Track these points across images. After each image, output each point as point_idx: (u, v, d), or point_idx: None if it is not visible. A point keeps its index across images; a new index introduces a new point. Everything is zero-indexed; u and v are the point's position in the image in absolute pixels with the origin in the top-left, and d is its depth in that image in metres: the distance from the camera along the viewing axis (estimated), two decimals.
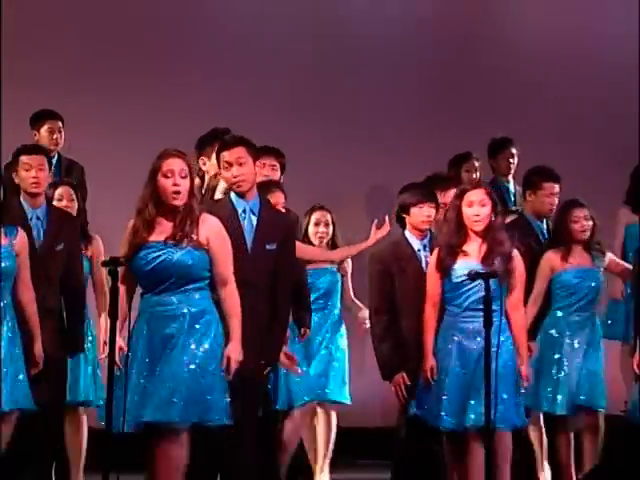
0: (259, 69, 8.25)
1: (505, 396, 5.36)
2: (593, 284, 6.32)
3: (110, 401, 4.71)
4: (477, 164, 7.32)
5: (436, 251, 5.54)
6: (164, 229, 4.96)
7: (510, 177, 7.59)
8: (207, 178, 6.04)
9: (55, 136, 6.73)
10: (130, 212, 5.42)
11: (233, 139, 5.55)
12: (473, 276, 5.36)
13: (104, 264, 4.93)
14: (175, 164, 4.99)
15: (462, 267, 5.42)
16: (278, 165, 6.20)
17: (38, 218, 5.95)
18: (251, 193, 5.48)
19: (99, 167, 7.16)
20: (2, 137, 4.87)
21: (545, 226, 6.83)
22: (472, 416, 5.36)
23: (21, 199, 5.99)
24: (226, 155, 5.44)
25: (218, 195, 5.74)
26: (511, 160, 7.55)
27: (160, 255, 4.94)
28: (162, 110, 7.91)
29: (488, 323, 5.12)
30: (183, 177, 4.97)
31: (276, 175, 6.19)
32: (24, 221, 5.89)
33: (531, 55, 8.81)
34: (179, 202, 4.95)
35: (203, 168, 5.98)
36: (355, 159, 8.06)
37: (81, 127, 7.09)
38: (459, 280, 5.43)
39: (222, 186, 5.73)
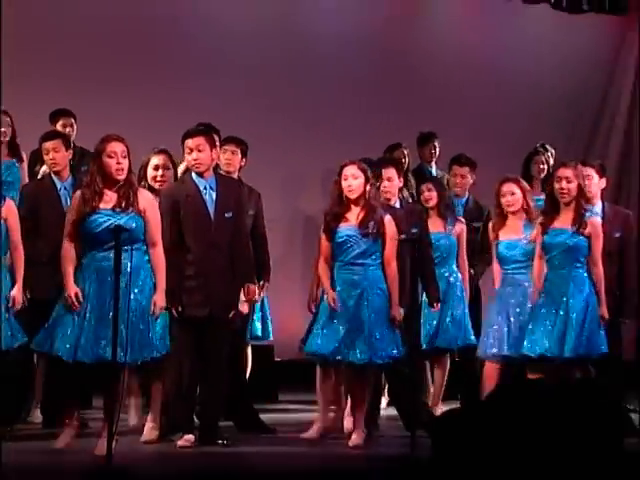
0: (234, 74, 8.17)
1: (378, 335, 5.48)
2: (443, 245, 6.37)
3: (115, 339, 4.69)
4: (406, 152, 7.30)
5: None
6: (110, 199, 5.05)
7: (433, 163, 7.64)
8: None
9: (68, 130, 6.63)
10: None
11: (195, 130, 5.59)
12: (401, 241, 5.59)
13: (111, 229, 4.94)
14: (117, 147, 5.07)
15: (343, 230, 5.53)
16: (239, 151, 6.15)
17: (65, 189, 5.97)
18: (208, 173, 5.52)
19: None
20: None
21: (465, 202, 6.95)
22: (358, 355, 5.45)
23: (52, 174, 6.04)
24: (189, 142, 5.49)
25: (150, 170, 5.72)
26: (433, 151, 7.60)
27: (109, 219, 5.02)
28: (154, 107, 7.76)
29: (413, 281, 5.32)
30: (124, 157, 5.06)
31: (236, 159, 6.14)
32: (54, 192, 5.98)
33: (451, 67, 8.82)
34: (122, 176, 5.05)
35: None
36: (312, 148, 8.12)
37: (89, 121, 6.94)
38: (341, 240, 5.52)
39: (153, 162, 5.71)
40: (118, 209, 5.04)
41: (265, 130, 7.72)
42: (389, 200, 6.01)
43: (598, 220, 5.89)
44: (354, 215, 5.54)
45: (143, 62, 7.94)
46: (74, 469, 4.56)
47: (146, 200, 5.14)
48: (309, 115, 8.30)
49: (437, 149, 7.60)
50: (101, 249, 5.02)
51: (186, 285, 5.45)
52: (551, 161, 7.28)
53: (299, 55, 8.43)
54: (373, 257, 5.52)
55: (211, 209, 5.50)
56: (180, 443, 5.41)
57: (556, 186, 5.76)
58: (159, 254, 5.15)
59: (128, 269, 4.95)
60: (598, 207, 6.22)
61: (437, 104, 8.50)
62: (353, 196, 5.52)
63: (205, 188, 5.51)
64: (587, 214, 5.82)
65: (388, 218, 5.57)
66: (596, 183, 6.21)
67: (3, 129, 6.48)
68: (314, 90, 8.41)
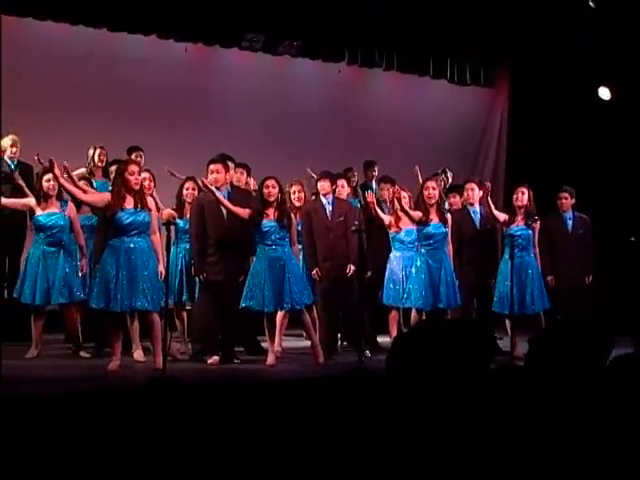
0: (244, 122, 7.91)
1: (297, 290, 5.35)
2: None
3: (167, 297, 4.66)
4: (356, 173, 7.22)
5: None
6: (129, 201, 5.07)
7: (373, 181, 7.45)
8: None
9: (138, 159, 6.41)
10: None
11: (215, 159, 5.57)
12: (356, 230, 5.48)
13: (163, 223, 4.81)
14: (135, 168, 5.15)
15: (267, 223, 5.41)
16: (245, 172, 6.13)
17: None
18: (224, 187, 5.52)
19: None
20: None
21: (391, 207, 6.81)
22: (286, 304, 5.34)
23: None
24: (211, 167, 5.51)
25: None
26: (374, 173, 7.45)
27: (133, 215, 5.04)
28: (191, 143, 7.35)
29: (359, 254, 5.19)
30: (139, 174, 5.14)
31: (244, 177, 6.11)
32: None
33: (387, 120, 8.63)
34: (137, 187, 5.10)
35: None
36: (294, 172, 7.93)
37: (152, 153, 6.58)
38: (266, 230, 5.39)
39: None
40: (138, 209, 5.06)
41: (263, 159, 7.56)
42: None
43: (449, 216, 5.95)
44: (272, 212, 5.44)
45: (185, 115, 7.78)
46: (142, 376, 4.55)
47: (151, 203, 5.20)
48: (292, 150, 8.05)
49: (376, 172, 7.49)
50: (127, 235, 5.00)
51: (208, 260, 5.50)
52: (450, 180, 7.27)
53: (285, 110, 8.30)
54: (286, 240, 5.45)
55: (224, 211, 5.48)
56: (210, 361, 5.48)
57: (425, 193, 5.82)
58: (158, 239, 5.16)
59: (146, 249, 5.02)
60: (477, 208, 6.27)
61: (376, 144, 8.29)
62: (271, 199, 5.46)
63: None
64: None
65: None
66: (477, 193, 6.32)
67: (102, 157, 6.41)
68: (295, 134, 8.28)
